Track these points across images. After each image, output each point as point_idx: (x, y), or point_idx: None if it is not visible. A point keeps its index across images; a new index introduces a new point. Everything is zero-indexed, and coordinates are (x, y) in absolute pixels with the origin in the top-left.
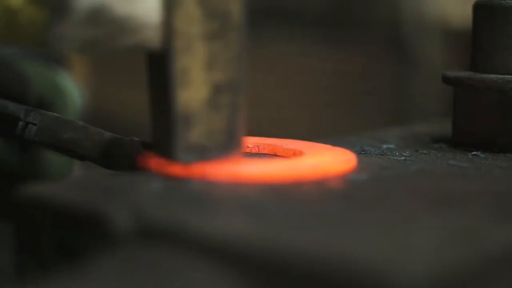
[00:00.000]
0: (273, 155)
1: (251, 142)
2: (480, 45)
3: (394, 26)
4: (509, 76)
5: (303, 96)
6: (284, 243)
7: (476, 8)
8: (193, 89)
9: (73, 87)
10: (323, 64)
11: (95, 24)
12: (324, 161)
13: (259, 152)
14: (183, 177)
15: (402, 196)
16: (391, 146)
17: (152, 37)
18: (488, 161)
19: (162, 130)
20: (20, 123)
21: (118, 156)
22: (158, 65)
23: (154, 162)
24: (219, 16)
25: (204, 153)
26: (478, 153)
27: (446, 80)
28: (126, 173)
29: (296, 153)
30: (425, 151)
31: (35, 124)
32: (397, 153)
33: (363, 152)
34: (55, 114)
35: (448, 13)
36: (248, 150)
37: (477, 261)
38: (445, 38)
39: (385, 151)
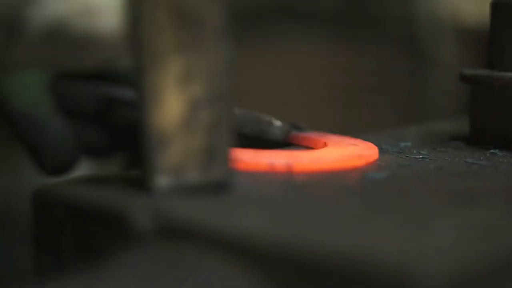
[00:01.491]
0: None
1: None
2: (497, 43)
3: (408, 24)
4: None
5: (317, 94)
6: (304, 241)
7: (494, 6)
8: (167, 107)
9: None
10: (337, 62)
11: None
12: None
13: None
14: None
15: (421, 194)
16: (408, 144)
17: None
18: (506, 159)
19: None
20: None
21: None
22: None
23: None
24: (192, 24)
25: (182, 174)
26: (496, 151)
27: (463, 78)
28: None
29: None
30: (442, 149)
31: None
32: (414, 151)
33: (380, 150)
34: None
35: (462, 11)
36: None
37: (497, 258)
38: (459, 36)
39: (402, 149)
